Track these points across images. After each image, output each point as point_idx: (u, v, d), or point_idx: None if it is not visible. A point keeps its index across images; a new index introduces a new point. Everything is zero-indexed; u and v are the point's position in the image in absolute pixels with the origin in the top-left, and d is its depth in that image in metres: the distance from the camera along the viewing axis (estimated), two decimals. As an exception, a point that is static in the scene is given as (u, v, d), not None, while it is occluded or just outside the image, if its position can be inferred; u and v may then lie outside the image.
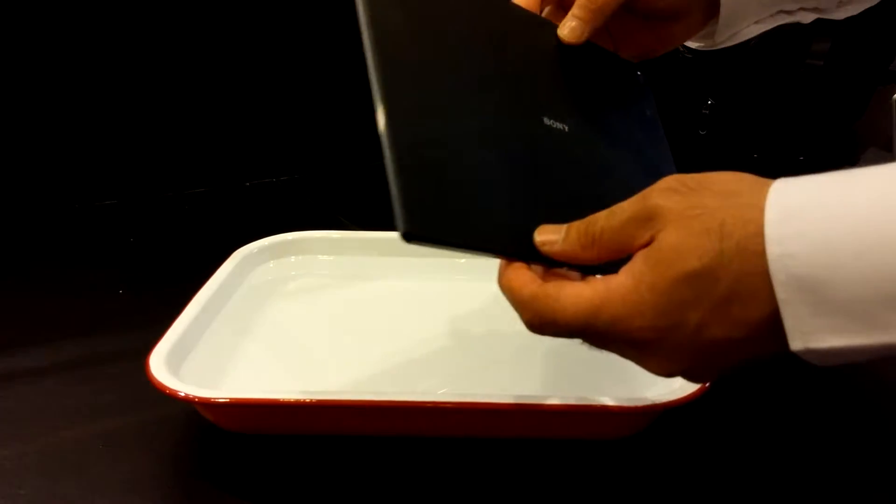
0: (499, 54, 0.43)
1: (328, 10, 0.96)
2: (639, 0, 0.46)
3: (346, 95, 1.01)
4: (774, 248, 0.31)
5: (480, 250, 0.38)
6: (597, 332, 0.36)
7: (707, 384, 0.48)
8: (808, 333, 0.31)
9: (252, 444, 0.51)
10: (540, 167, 0.42)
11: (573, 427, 0.50)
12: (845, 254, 0.30)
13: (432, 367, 0.58)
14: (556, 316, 0.36)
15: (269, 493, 0.48)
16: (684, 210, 0.34)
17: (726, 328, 0.33)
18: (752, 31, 0.52)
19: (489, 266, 0.66)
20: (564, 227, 0.38)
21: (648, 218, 0.35)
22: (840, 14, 0.54)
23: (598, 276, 0.37)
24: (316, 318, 0.65)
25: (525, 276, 0.38)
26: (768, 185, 0.33)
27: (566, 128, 0.44)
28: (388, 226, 0.73)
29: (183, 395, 0.47)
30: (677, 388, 0.48)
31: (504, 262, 0.39)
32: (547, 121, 0.43)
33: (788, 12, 0.52)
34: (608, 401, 0.47)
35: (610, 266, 0.37)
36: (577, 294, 0.36)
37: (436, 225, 0.35)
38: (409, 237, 0.34)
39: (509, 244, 0.38)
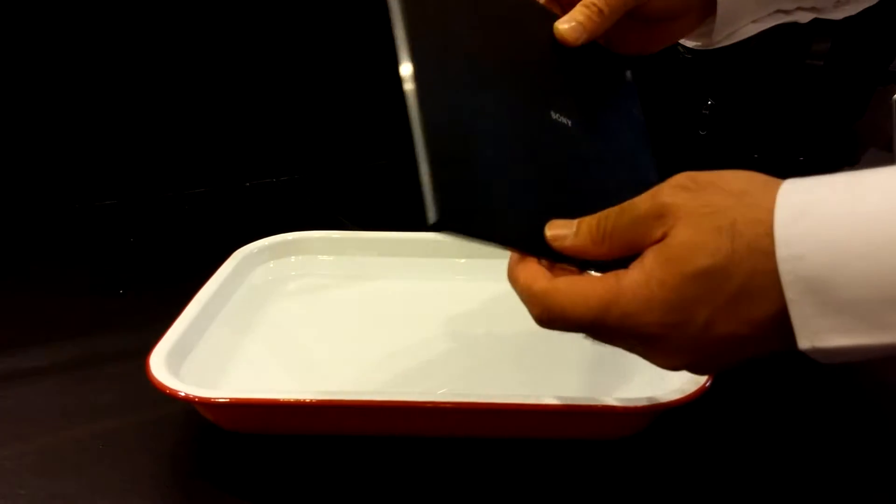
0: (512, 43, 0.43)
1: (328, 10, 0.96)
2: (637, 6, 0.46)
3: (347, 96, 1.01)
4: (783, 250, 0.32)
5: (502, 244, 0.38)
6: (607, 327, 0.36)
7: (707, 384, 0.48)
8: (815, 333, 0.32)
9: (252, 444, 0.51)
10: (549, 161, 0.42)
11: (573, 427, 0.50)
12: (852, 255, 0.30)
13: (432, 367, 0.58)
14: (567, 312, 0.37)
15: (269, 493, 0.48)
16: (696, 208, 0.34)
17: (734, 325, 0.34)
18: (749, 30, 0.52)
19: (489, 266, 0.65)
20: (575, 222, 0.38)
21: (660, 215, 0.35)
22: (838, 14, 0.54)
23: (610, 272, 0.37)
24: (316, 318, 0.65)
25: (536, 271, 0.38)
26: (778, 185, 0.33)
27: (569, 122, 0.44)
28: (388, 226, 0.74)
29: (183, 395, 0.47)
30: (677, 388, 0.48)
31: (515, 255, 0.39)
32: (553, 114, 0.43)
33: (786, 12, 0.52)
34: (608, 401, 0.47)
35: (618, 263, 0.37)
36: (588, 290, 0.36)
37: (464, 217, 0.35)
38: (438, 226, 0.34)
39: (525, 238, 0.39)
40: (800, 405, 0.58)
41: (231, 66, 0.94)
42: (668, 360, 0.37)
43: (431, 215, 0.33)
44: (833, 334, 0.31)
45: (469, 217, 0.36)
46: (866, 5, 0.54)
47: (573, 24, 0.45)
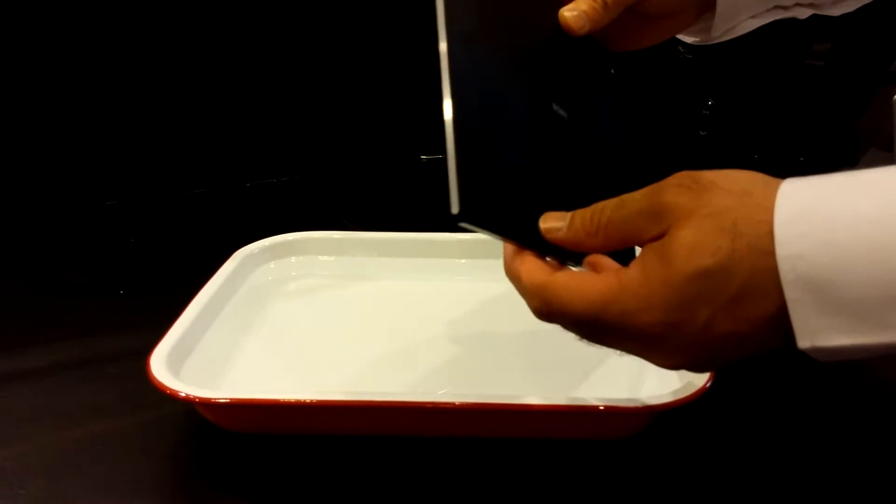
0: (527, 30, 0.43)
1: (328, 10, 0.96)
2: (639, 1, 0.46)
3: (347, 96, 1.01)
4: (783, 249, 0.32)
5: (518, 241, 0.38)
6: (605, 324, 0.36)
7: (707, 385, 0.48)
8: (814, 332, 0.32)
9: (252, 444, 0.51)
10: (553, 155, 0.42)
11: (573, 427, 0.50)
12: (851, 255, 0.30)
13: (432, 368, 0.58)
14: (565, 306, 0.37)
15: (269, 493, 0.48)
16: (697, 208, 0.34)
17: (734, 324, 0.34)
18: (748, 25, 0.52)
19: (489, 266, 0.65)
20: (569, 214, 0.39)
21: (660, 212, 0.35)
22: (836, 10, 0.54)
23: (612, 269, 0.37)
24: (316, 318, 0.65)
25: (535, 264, 0.38)
26: (778, 185, 0.33)
27: (566, 116, 0.44)
28: (388, 226, 0.74)
29: (183, 395, 0.47)
30: (677, 388, 0.48)
31: (511, 248, 0.39)
32: (555, 107, 0.43)
33: (784, 7, 0.52)
34: (609, 401, 0.47)
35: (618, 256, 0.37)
36: (588, 285, 0.36)
37: (486, 212, 0.36)
38: (460, 218, 0.34)
39: (525, 232, 0.39)
40: (800, 405, 0.58)
41: (231, 67, 0.94)
42: (668, 358, 0.37)
43: (454, 207, 0.34)
44: (833, 334, 0.31)
45: (489, 213, 0.36)
46: (865, 1, 0.54)
47: (577, 12, 0.45)
